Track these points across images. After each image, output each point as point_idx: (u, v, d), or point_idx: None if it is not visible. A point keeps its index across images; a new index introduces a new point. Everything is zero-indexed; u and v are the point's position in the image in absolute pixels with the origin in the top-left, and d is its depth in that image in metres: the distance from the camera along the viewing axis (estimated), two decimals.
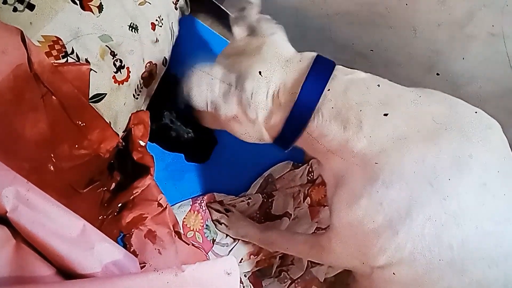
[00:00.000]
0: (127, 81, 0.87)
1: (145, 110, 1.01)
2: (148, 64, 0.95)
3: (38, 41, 0.70)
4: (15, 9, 0.68)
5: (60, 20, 0.73)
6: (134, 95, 0.92)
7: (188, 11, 1.19)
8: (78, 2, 0.76)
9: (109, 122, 0.86)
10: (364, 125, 0.80)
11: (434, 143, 0.77)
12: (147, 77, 0.96)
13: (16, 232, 0.56)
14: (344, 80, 0.84)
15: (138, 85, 0.93)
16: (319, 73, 0.83)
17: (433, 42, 1.01)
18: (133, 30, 0.88)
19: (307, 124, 0.84)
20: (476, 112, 0.84)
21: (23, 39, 0.67)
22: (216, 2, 1.28)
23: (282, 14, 1.11)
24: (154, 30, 0.95)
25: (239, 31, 0.89)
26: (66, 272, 0.59)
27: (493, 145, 0.80)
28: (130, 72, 0.88)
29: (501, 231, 0.76)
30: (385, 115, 0.80)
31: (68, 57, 0.74)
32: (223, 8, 1.30)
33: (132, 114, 0.95)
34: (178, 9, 1.11)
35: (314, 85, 0.82)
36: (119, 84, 0.86)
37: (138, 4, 0.90)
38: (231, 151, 1.24)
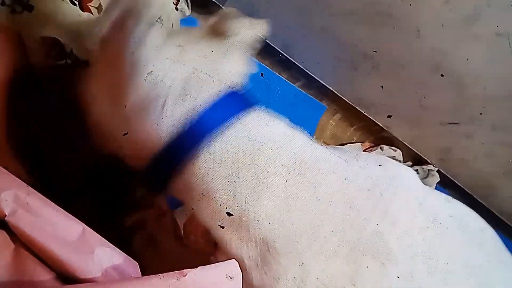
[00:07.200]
0: None
1: None
2: None
3: (37, 43, 0.69)
4: (13, 11, 0.67)
5: (59, 21, 0.72)
6: None
7: (189, 12, 1.19)
8: (77, 3, 0.75)
9: None
10: None
11: None
12: None
13: (15, 236, 0.56)
14: None
15: None
16: None
17: (438, 43, 1.00)
18: None
19: None
20: (469, 215, 0.75)
21: (22, 41, 0.66)
22: (217, 3, 1.28)
23: (284, 15, 1.10)
24: None
25: None
26: (66, 277, 0.58)
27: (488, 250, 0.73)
28: None
29: None
30: None
31: (67, 59, 0.74)
32: (224, 9, 1.29)
33: None
34: (178, 10, 1.11)
35: None
36: None
37: None
38: None
